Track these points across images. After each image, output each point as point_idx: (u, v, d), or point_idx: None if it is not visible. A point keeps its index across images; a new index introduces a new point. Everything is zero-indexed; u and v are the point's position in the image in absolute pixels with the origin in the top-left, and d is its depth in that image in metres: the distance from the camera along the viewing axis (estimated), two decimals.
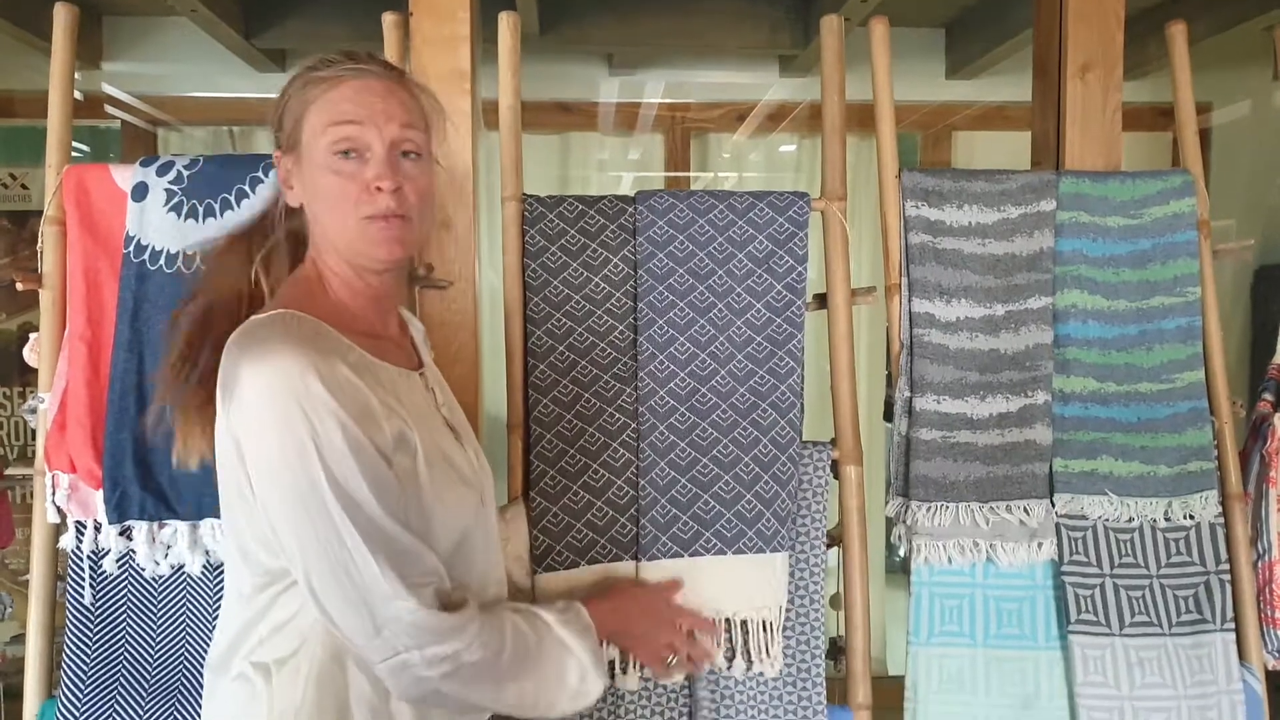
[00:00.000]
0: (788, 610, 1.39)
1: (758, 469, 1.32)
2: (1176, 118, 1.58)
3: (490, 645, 0.96)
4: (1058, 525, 1.44)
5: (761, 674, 1.37)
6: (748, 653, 1.33)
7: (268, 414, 0.90)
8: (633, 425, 1.37)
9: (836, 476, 1.45)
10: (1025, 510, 1.44)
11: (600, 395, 1.39)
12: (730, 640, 1.34)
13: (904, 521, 1.45)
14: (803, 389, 1.42)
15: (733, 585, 1.33)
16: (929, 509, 1.43)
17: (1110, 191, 1.51)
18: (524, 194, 1.42)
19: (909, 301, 1.47)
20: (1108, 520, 1.45)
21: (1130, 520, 1.46)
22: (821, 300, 1.48)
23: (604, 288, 1.42)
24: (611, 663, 1.30)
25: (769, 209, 1.42)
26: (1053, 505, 1.45)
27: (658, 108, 2.90)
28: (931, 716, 1.42)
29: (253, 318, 0.96)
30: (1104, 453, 1.46)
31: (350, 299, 1.04)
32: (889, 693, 1.48)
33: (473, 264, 1.48)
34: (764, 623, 1.34)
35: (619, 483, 1.36)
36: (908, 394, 1.46)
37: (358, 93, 0.99)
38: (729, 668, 1.35)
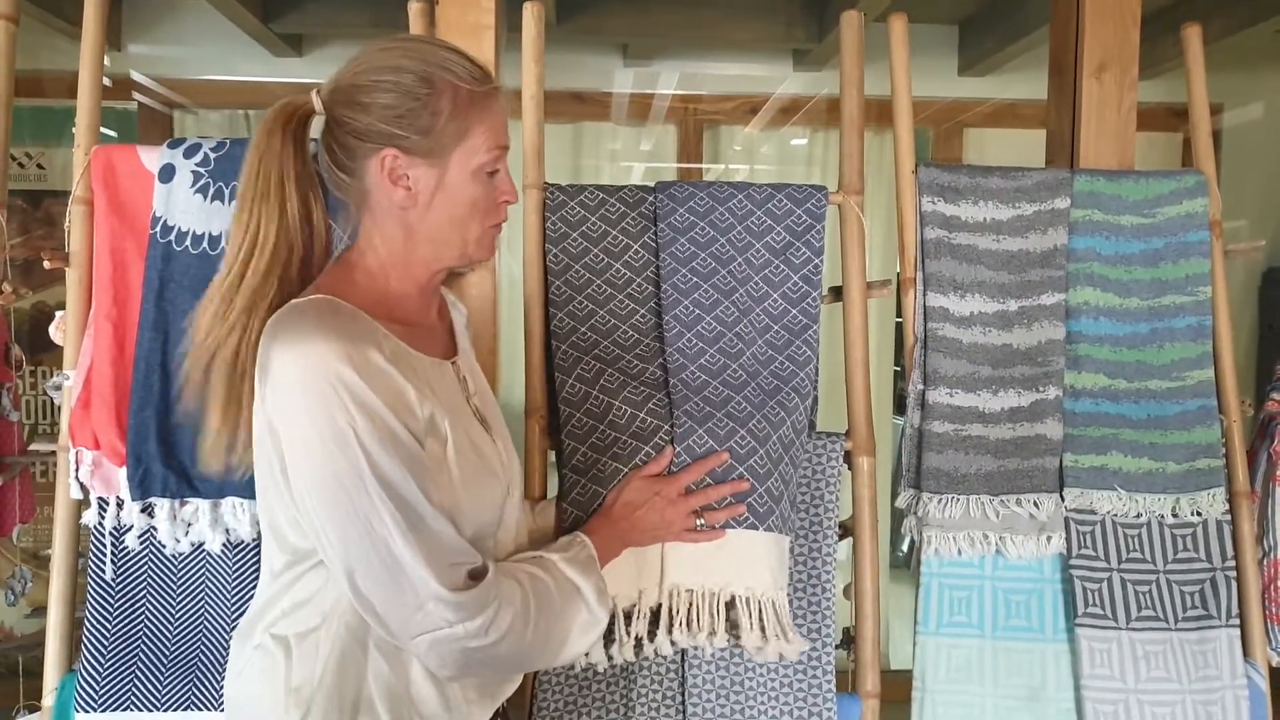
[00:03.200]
0: (799, 598, 1.41)
1: (782, 449, 1.33)
2: (1190, 118, 1.59)
3: (515, 600, 0.99)
4: (1067, 519, 1.46)
5: (775, 659, 1.38)
6: (762, 628, 1.31)
7: (301, 400, 0.92)
8: (658, 396, 1.35)
9: (849, 467, 1.47)
10: (1035, 504, 1.45)
11: (625, 372, 1.39)
12: (730, 618, 1.33)
13: (915, 513, 1.47)
14: (818, 380, 1.44)
15: (739, 562, 1.31)
16: (940, 501, 1.45)
17: (1124, 190, 1.53)
18: (545, 182, 1.43)
19: (924, 295, 1.49)
20: (1116, 515, 1.47)
21: (1138, 516, 1.47)
22: (837, 293, 1.50)
23: (624, 273, 1.43)
24: (611, 628, 1.30)
25: (787, 200, 1.43)
26: (1062, 499, 1.46)
27: (671, 99, 2.92)
28: (939, 705, 1.44)
29: (291, 302, 0.98)
30: (1113, 448, 1.48)
31: (400, 289, 1.06)
32: (892, 686, 1.50)
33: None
34: (763, 602, 1.33)
35: (646, 449, 1.36)
36: (920, 387, 1.48)
37: (502, 112, 1.06)
38: (735, 644, 1.34)
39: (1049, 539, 1.45)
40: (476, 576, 0.97)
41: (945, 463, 1.46)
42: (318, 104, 1.02)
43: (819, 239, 1.43)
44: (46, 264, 1.40)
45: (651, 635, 1.27)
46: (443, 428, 1.00)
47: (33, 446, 1.45)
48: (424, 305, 1.10)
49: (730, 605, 1.30)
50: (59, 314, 1.42)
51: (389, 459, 0.92)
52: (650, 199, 1.43)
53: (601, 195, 1.44)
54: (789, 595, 1.40)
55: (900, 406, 1.54)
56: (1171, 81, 2.72)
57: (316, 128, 1.05)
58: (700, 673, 1.38)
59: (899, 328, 1.58)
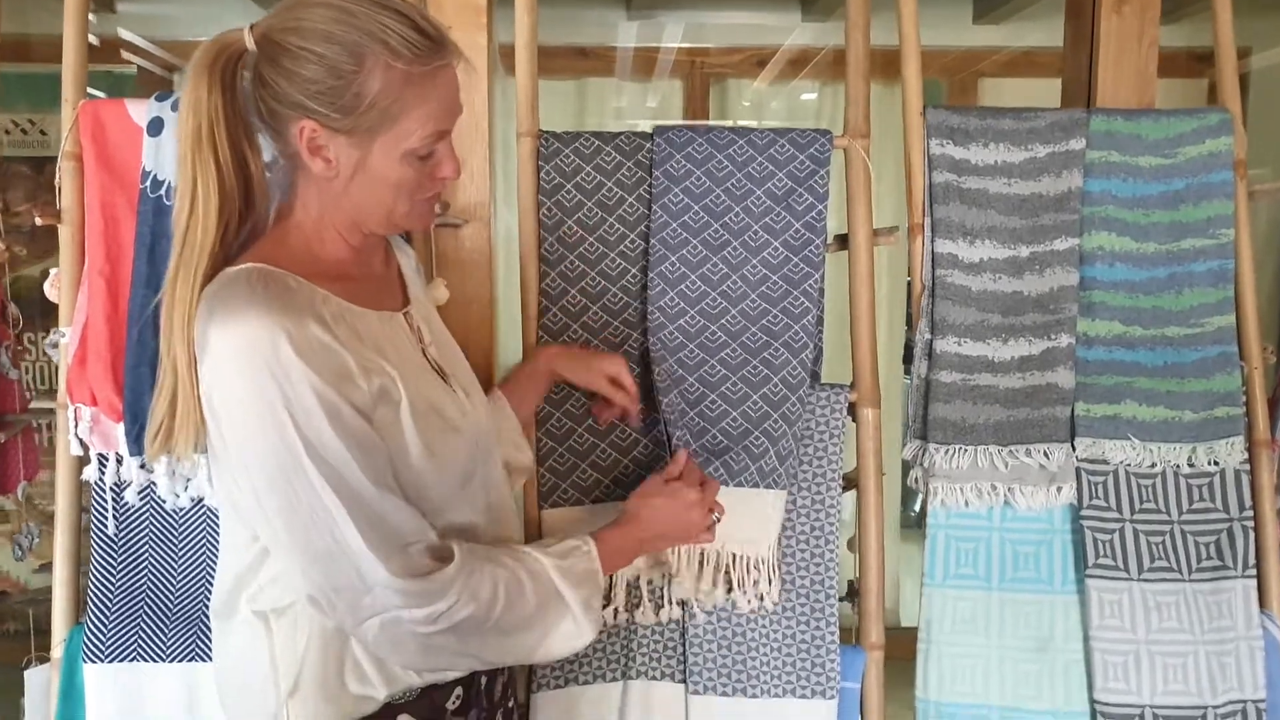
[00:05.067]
0: (802, 551, 1.39)
1: (766, 407, 1.31)
2: (1216, 56, 1.52)
3: (480, 598, 0.94)
4: (1078, 469, 1.43)
5: (776, 612, 1.37)
6: (743, 585, 1.31)
7: (238, 382, 0.89)
8: (637, 371, 1.36)
9: (854, 419, 1.44)
10: (1045, 454, 1.42)
11: (609, 341, 1.39)
12: (727, 575, 1.32)
13: (921, 464, 1.44)
14: (820, 331, 1.40)
15: (731, 519, 1.30)
16: (947, 452, 1.42)
17: (1143, 130, 1.47)
18: (540, 129, 1.40)
19: (931, 242, 1.45)
20: (1129, 465, 1.43)
21: (1153, 466, 1.44)
22: (842, 242, 1.46)
23: (618, 229, 1.41)
24: (632, 594, 1.31)
25: (790, 145, 1.39)
26: (1073, 449, 1.43)
27: (677, 53, 2.85)
28: (944, 658, 1.42)
29: (224, 271, 0.94)
30: (1128, 397, 1.44)
31: (339, 250, 1.02)
32: (902, 642, 1.48)
33: (488, 203, 1.46)
34: (753, 559, 1.32)
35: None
36: (928, 336, 1.45)
37: (447, 90, 0.97)
38: (724, 600, 1.34)
39: (1059, 490, 1.42)
40: (442, 558, 0.94)
41: (953, 413, 1.42)
42: (249, 41, 0.94)
43: (823, 184, 1.39)
44: (38, 220, 1.39)
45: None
46: (394, 391, 0.96)
47: (33, 404, 1.45)
48: (365, 258, 1.05)
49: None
50: (53, 271, 1.41)
51: (330, 440, 0.89)
52: (648, 146, 1.40)
53: (597, 143, 1.40)
54: (791, 549, 1.39)
55: (909, 356, 1.50)
56: (1195, 26, 2.63)
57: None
58: (701, 624, 1.37)
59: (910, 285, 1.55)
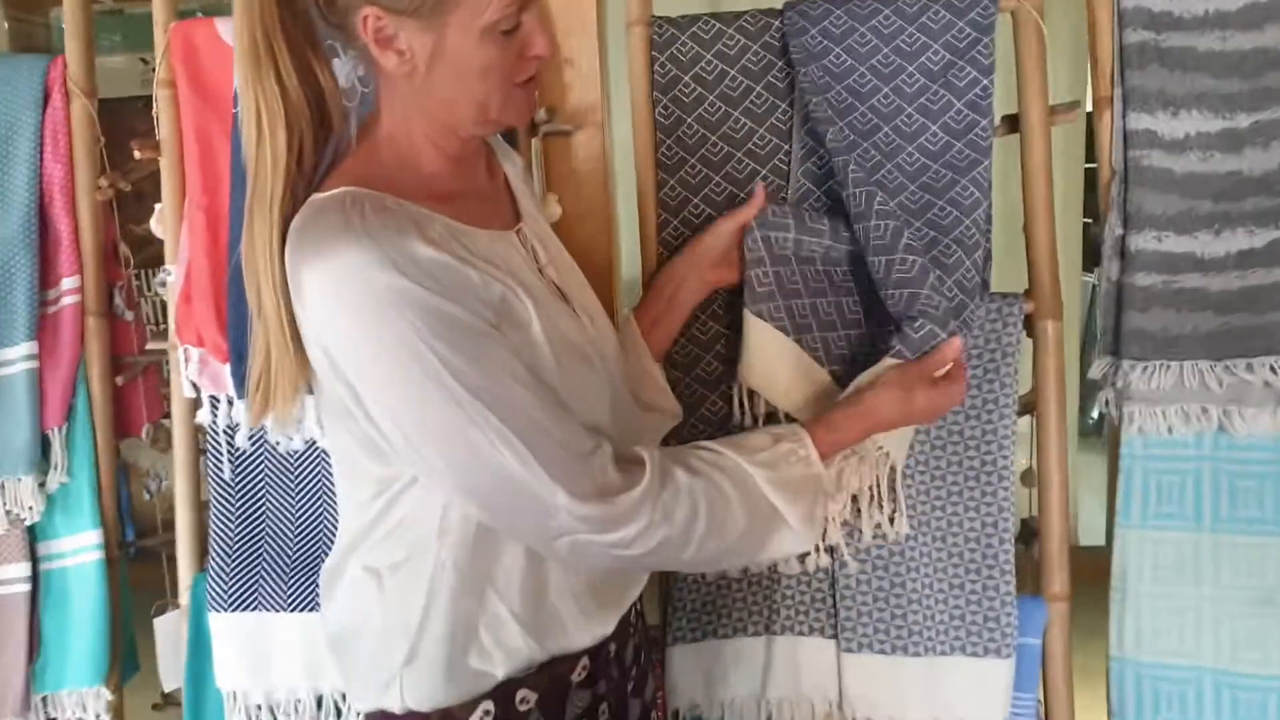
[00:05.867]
0: (971, 488, 1.21)
1: (942, 315, 1.11)
2: None
3: (676, 520, 0.84)
4: None
5: (941, 558, 1.20)
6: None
7: (353, 322, 0.79)
8: None
9: (1029, 333, 1.23)
10: (1272, 369, 1.17)
11: None
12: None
13: (1114, 384, 1.22)
14: (990, 230, 1.20)
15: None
16: (1145, 369, 1.19)
17: None
18: (653, 16, 1.23)
19: (1123, 118, 1.20)
20: None
21: None
22: (1010, 123, 1.24)
23: (745, 123, 1.23)
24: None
25: (946, 11, 1.17)
26: None
27: None
28: (1143, 611, 1.22)
29: (311, 198, 0.83)
30: None
31: (436, 162, 0.90)
32: (1081, 566, 1.27)
33: (600, 105, 1.31)
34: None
35: None
36: (1120, 232, 1.21)
37: None
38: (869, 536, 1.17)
39: None
40: (630, 468, 0.84)
41: (1152, 322, 1.19)
42: None
43: (987, 55, 1.17)
44: (137, 154, 1.34)
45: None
46: (521, 309, 0.85)
47: (150, 346, 1.42)
48: (467, 171, 0.93)
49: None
50: (158, 206, 1.36)
51: (468, 361, 0.79)
52: (776, 24, 1.21)
53: (718, 26, 1.22)
54: (958, 485, 1.21)
55: (1094, 259, 1.27)
56: None
57: None
58: (854, 574, 1.21)
59: (1089, 174, 1.31)
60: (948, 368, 1.05)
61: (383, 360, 0.79)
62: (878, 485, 1.13)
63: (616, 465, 0.84)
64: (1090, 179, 2.10)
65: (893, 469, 1.13)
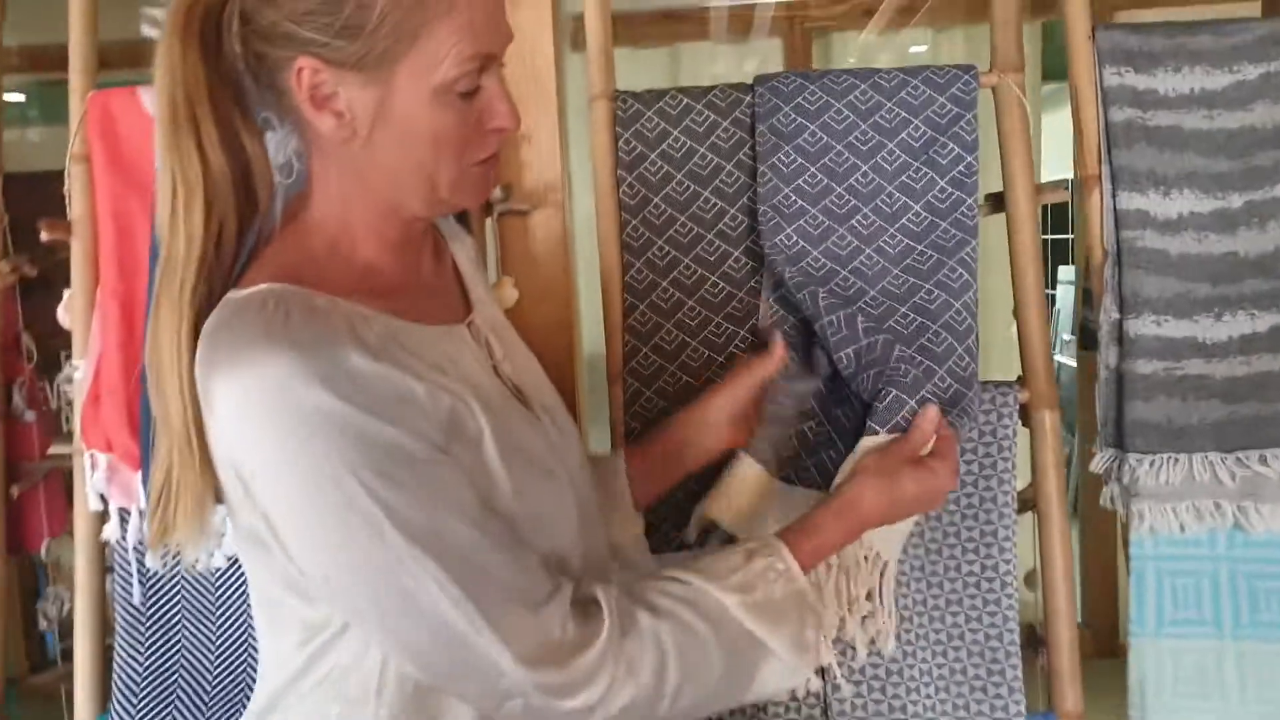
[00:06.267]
0: (971, 594, 1.10)
1: (914, 383, 1.00)
2: None
3: (642, 673, 0.71)
4: None
5: (944, 675, 1.08)
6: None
7: (273, 445, 0.67)
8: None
9: (1025, 424, 1.15)
10: None
11: (710, 344, 1.14)
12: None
13: (1119, 479, 1.14)
14: (977, 313, 1.12)
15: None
16: (1153, 463, 1.11)
17: None
18: (616, 90, 1.16)
19: (1113, 197, 1.15)
20: None
21: None
22: (994, 203, 1.18)
23: (715, 203, 1.15)
24: None
25: (926, 86, 1.11)
26: None
27: (774, 8, 2.57)
28: None
29: (227, 296, 0.71)
30: None
31: (375, 249, 0.78)
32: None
33: (560, 184, 1.22)
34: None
35: None
36: (1116, 316, 1.14)
37: (485, 4, 0.73)
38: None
39: None
40: (586, 615, 0.72)
41: (1156, 412, 1.12)
42: None
43: (970, 131, 1.11)
44: (44, 235, 1.21)
45: None
46: (472, 423, 0.73)
47: (51, 450, 1.27)
48: (411, 259, 0.82)
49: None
50: (66, 293, 1.22)
51: (408, 498, 0.67)
52: (747, 99, 1.14)
53: (686, 101, 1.15)
54: (957, 594, 1.10)
55: (1086, 339, 1.20)
56: None
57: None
58: (849, 696, 1.08)
59: (1048, 244, 1.24)
60: (931, 444, 0.94)
61: (306, 493, 0.67)
62: (872, 593, 1.01)
63: (575, 610, 0.71)
64: (1047, 250, 2.05)
65: (885, 573, 1.02)
